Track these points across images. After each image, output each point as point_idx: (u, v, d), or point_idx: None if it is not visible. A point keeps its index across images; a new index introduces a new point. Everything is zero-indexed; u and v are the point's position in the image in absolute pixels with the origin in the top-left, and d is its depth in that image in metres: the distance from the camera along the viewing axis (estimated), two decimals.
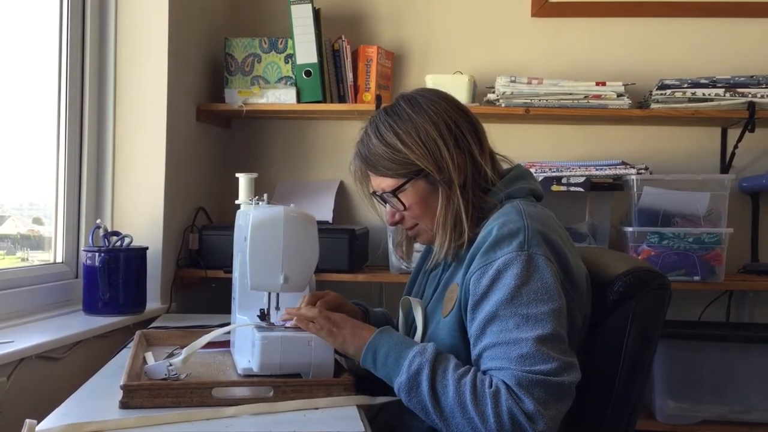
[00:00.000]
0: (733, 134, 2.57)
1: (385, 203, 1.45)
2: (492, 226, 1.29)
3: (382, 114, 1.41)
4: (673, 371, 2.29)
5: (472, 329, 1.25)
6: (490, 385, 1.16)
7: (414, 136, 1.35)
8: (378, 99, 2.46)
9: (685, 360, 2.30)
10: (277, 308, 1.41)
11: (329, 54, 2.52)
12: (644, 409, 2.33)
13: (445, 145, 1.34)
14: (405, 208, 1.40)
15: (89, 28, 2.16)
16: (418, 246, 1.67)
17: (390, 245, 2.37)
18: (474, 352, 1.24)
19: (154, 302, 2.18)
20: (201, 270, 2.35)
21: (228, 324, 1.53)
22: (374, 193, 1.46)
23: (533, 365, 1.15)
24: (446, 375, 1.19)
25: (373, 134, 1.39)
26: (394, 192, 1.39)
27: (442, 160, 1.34)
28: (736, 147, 2.51)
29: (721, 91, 2.41)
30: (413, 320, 1.45)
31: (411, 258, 1.62)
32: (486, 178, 1.38)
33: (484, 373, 1.20)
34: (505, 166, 1.47)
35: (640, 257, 2.29)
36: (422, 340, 1.38)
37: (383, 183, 1.41)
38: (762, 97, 2.38)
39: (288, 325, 1.37)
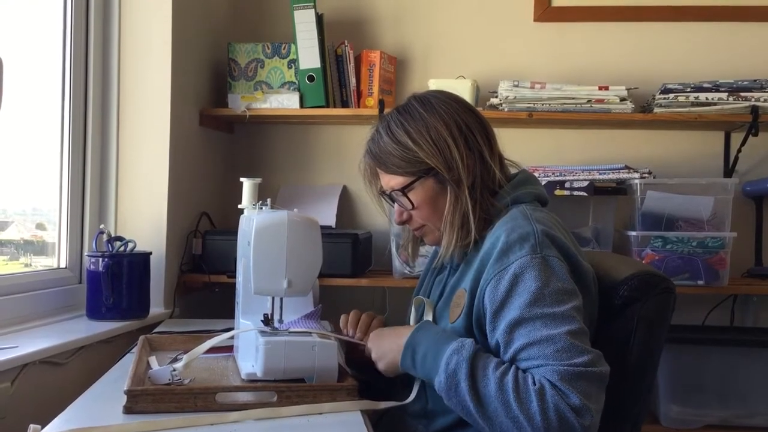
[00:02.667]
0: (736, 138, 2.57)
1: (393, 202, 1.45)
2: (500, 232, 1.29)
3: (394, 113, 1.42)
4: (676, 375, 2.29)
5: (497, 336, 1.23)
6: (534, 383, 1.14)
7: (425, 134, 1.36)
8: (381, 104, 2.46)
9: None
10: (281, 320, 1.40)
11: (332, 59, 2.52)
12: (648, 414, 2.32)
13: (455, 145, 1.35)
14: (413, 207, 1.41)
15: (92, 34, 2.16)
16: (423, 251, 1.67)
17: (393, 249, 2.37)
18: (504, 359, 1.22)
19: (157, 307, 2.18)
20: (204, 275, 2.35)
21: (231, 329, 1.53)
22: (383, 192, 1.46)
23: (571, 358, 1.14)
24: (486, 373, 1.17)
25: (385, 132, 1.40)
26: (403, 190, 1.40)
27: (452, 160, 1.34)
28: (739, 151, 2.51)
29: (724, 95, 2.40)
30: (422, 314, 1.45)
31: (416, 260, 1.62)
32: (494, 180, 1.39)
33: (524, 372, 1.18)
34: (512, 170, 1.48)
35: (644, 261, 2.29)
36: None
37: (392, 181, 1.41)
38: (765, 101, 2.38)
39: (293, 329, 1.37)
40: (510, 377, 1.15)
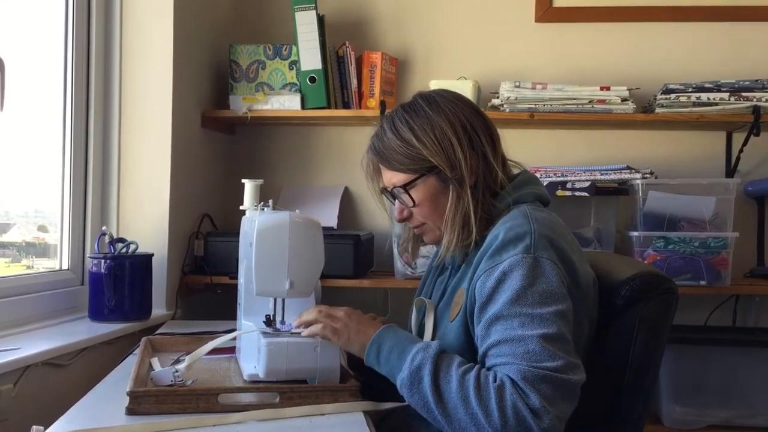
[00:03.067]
0: (738, 138, 2.57)
1: (395, 199, 1.45)
2: (499, 231, 1.29)
3: (400, 110, 1.42)
4: (679, 376, 2.29)
5: (478, 329, 1.25)
6: (495, 380, 1.15)
7: (429, 132, 1.36)
8: (382, 105, 2.46)
9: (691, 365, 2.29)
10: (283, 321, 1.40)
11: (333, 60, 2.52)
12: (650, 414, 2.32)
13: (459, 144, 1.35)
14: (414, 205, 1.41)
15: (94, 36, 2.17)
16: (425, 252, 1.67)
17: (395, 251, 2.37)
18: (479, 353, 1.24)
19: (159, 309, 2.18)
20: (206, 276, 2.35)
21: (233, 330, 1.53)
22: (384, 189, 1.47)
23: (540, 361, 1.14)
24: (450, 371, 1.19)
25: (389, 128, 1.40)
26: (405, 187, 1.40)
27: (455, 159, 1.35)
28: (741, 151, 2.50)
29: (725, 95, 2.40)
30: (423, 315, 1.45)
31: (416, 259, 1.62)
32: (497, 181, 1.39)
33: (489, 369, 1.19)
34: (514, 171, 1.48)
35: (646, 262, 2.28)
36: None
37: (395, 178, 1.41)
38: (767, 101, 2.38)
39: (294, 330, 1.37)
40: (472, 375, 1.16)
